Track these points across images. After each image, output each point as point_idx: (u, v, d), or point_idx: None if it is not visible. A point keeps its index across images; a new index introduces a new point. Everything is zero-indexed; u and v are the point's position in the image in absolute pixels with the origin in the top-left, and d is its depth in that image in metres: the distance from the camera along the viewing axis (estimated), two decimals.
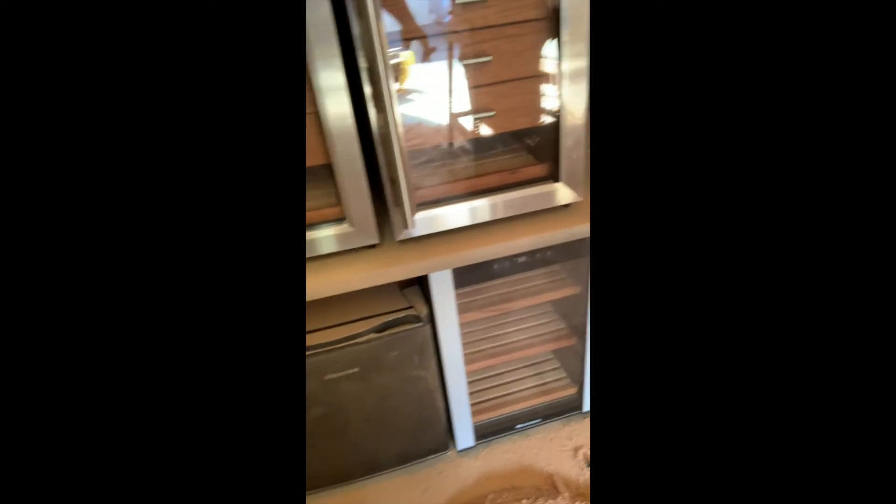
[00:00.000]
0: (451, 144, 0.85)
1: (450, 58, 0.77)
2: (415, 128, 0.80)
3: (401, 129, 0.70)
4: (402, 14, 0.71)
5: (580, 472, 1.14)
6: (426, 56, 0.77)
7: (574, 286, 1.09)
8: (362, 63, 0.69)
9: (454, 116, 0.82)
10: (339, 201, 0.82)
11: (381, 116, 0.72)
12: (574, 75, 0.76)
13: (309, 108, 0.73)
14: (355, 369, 0.98)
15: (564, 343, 1.18)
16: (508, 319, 1.25)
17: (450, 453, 1.18)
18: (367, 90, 0.71)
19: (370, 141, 0.77)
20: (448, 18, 0.74)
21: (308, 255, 0.82)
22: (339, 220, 0.81)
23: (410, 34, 0.73)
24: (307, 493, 1.11)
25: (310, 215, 0.82)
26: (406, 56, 0.75)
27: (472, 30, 0.74)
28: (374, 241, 0.82)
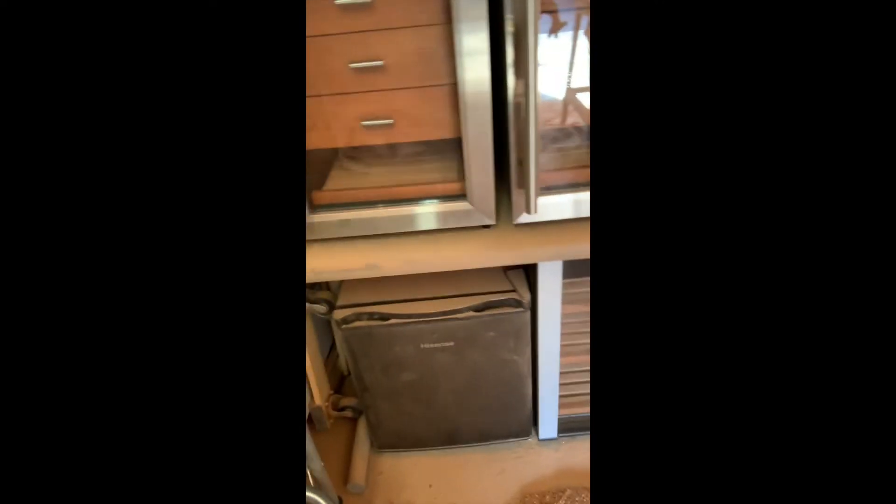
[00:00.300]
0: (563, 126, 0.80)
1: (576, 30, 0.71)
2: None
3: (540, 102, 0.66)
4: None
5: None
6: (554, 29, 0.72)
7: None
8: (509, 27, 0.65)
9: (572, 92, 0.76)
10: (460, 177, 0.80)
11: (519, 83, 0.68)
12: None
13: (446, 80, 0.71)
14: (450, 343, 0.99)
15: None
16: None
17: (530, 440, 1.17)
18: (510, 56, 0.67)
19: (498, 118, 0.74)
20: None
21: (421, 228, 0.82)
22: (458, 196, 0.80)
23: (545, 7, 0.68)
24: (386, 451, 1.17)
25: (427, 188, 0.81)
26: None
27: None
28: (492, 221, 0.80)
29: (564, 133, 0.82)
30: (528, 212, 0.72)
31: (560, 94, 0.77)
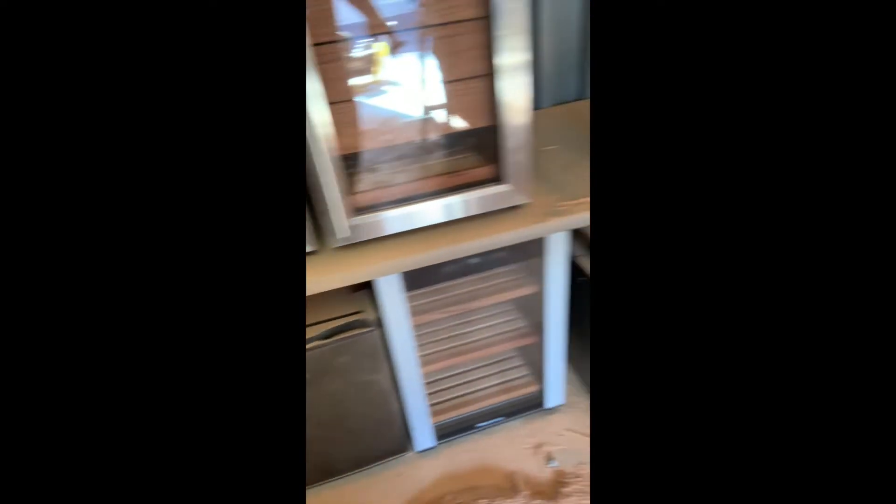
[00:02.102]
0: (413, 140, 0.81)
1: (422, 50, 0.73)
2: (388, 121, 0.76)
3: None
4: (366, 7, 0.67)
5: (540, 470, 1.13)
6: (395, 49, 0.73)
7: (533, 285, 1.06)
8: None
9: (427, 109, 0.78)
10: None
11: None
12: (514, 72, 0.72)
13: None
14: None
15: (526, 341, 1.16)
16: (471, 318, 1.23)
17: (409, 454, 1.16)
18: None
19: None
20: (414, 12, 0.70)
21: None
22: None
23: (377, 28, 0.69)
24: None
25: None
26: (379, 47, 0.71)
27: (420, 27, 0.70)
28: (313, 247, 0.78)
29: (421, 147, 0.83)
30: (339, 234, 0.71)
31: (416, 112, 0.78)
